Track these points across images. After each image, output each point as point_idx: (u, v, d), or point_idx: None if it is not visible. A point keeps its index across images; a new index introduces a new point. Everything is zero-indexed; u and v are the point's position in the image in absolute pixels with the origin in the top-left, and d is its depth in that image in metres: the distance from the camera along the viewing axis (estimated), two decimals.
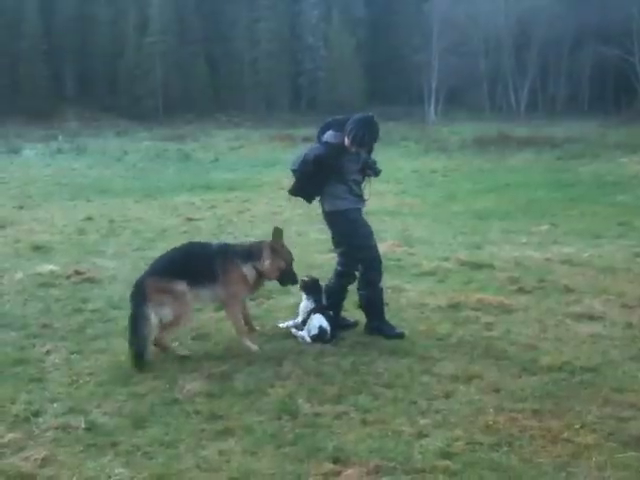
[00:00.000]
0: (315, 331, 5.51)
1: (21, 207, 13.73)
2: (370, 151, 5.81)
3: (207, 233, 10.77)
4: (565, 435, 3.91)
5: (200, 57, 60.13)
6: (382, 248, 8.85)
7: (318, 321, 5.55)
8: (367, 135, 5.55)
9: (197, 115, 52.78)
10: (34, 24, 54.83)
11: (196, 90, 57.94)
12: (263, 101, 60.07)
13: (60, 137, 35.27)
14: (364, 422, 4.11)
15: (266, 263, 5.42)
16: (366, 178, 5.87)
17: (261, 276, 5.49)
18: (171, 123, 48.24)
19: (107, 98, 55.75)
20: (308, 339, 5.54)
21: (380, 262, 5.82)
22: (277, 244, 5.52)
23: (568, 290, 7.05)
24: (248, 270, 5.40)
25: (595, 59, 56.53)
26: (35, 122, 44.41)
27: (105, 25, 58.11)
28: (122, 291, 7.09)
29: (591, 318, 6.11)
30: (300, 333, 5.64)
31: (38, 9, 55.44)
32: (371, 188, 5.86)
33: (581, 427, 4.00)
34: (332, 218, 5.80)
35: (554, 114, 53.48)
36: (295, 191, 5.83)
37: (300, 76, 63.70)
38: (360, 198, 5.79)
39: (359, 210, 5.80)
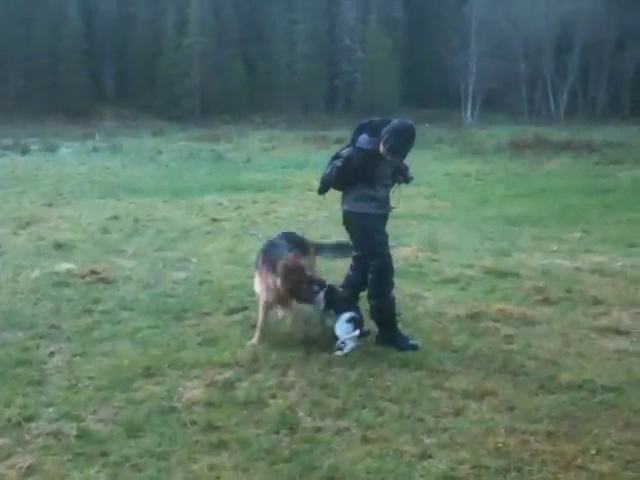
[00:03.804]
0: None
1: (50, 205, 13.78)
2: (404, 157, 5.55)
3: (230, 234, 10.67)
4: (579, 461, 3.63)
5: (237, 58, 60.48)
6: (404, 253, 8.74)
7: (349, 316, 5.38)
8: (404, 145, 5.29)
9: (234, 116, 53.07)
10: (75, 24, 55.84)
11: (233, 91, 58.27)
12: (299, 103, 60.00)
13: (97, 136, 35.74)
14: (365, 439, 3.89)
15: None
16: (396, 184, 5.64)
17: None
18: (208, 124, 48.55)
19: (145, 98, 56.41)
20: (352, 343, 5.30)
21: (392, 272, 5.52)
22: None
23: (596, 302, 6.68)
24: None
25: (637, 62, 55.26)
26: (74, 121, 45.22)
27: (144, 25, 58.88)
28: (135, 292, 7.02)
29: (618, 332, 5.76)
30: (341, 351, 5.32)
31: (79, 9, 56.39)
32: (401, 194, 5.61)
33: (597, 453, 3.72)
34: (349, 218, 5.58)
35: (594, 118, 52.31)
36: (321, 192, 5.73)
37: (336, 78, 63.52)
38: (384, 204, 5.52)
39: (380, 216, 5.52)
